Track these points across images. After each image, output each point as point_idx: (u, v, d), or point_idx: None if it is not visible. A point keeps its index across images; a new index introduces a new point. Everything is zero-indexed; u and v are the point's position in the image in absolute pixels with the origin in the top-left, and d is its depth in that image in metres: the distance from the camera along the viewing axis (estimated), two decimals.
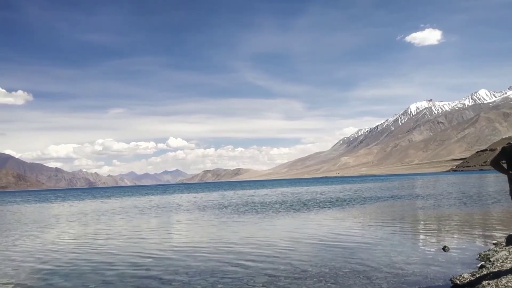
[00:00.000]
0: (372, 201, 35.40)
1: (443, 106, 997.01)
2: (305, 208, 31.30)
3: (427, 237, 15.78)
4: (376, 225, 19.77)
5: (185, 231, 21.49)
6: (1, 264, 13.59)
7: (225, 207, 36.28)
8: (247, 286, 9.52)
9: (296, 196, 48.93)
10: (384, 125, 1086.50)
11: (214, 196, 61.55)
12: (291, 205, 34.43)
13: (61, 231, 23.46)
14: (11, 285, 10.70)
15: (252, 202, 41.91)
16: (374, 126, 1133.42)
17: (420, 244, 14.34)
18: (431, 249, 12.99)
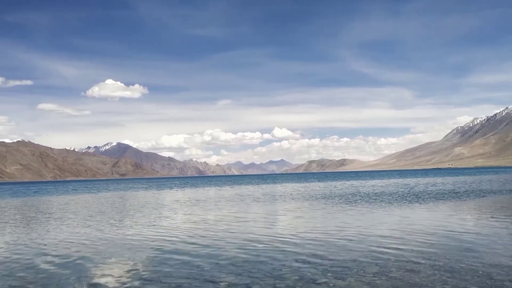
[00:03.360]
0: (491, 194, 33.08)
1: None
2: (418, 199, 30.23)
3: None
4: (496, 220, 18.50)
5: (296, 219, 21.93)
6: (137, 244, 14.99)
7: (333, 197, 36.22)
8: (357, 276, 9.54)
9: (407, 188, 47.25)
10: (504, 113, 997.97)
11: (321, 186, 61.58)
12: (402, 197, 33.44)
13: (186, 213, 26.25)
14: (133, 262, 11.82)
15: (361, 192, 41.30)
16: (492, 114, 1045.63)
17: None
18: None
